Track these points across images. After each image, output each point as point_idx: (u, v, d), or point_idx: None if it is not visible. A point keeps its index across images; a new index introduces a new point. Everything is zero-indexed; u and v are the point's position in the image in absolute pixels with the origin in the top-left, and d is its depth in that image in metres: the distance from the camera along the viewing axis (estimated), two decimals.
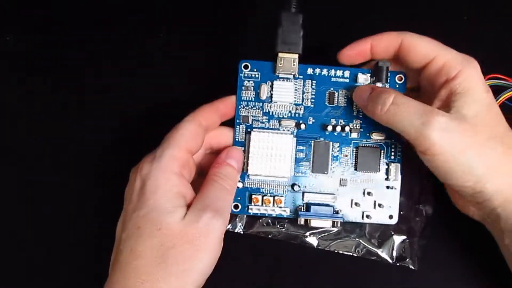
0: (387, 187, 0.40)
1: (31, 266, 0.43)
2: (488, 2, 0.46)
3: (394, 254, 0.41)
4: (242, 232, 0.41)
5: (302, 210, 0.40)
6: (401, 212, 0.41)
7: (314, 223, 0.39)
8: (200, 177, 0.38)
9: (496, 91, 0.42)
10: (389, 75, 0.40)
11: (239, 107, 0.40)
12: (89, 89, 0.45)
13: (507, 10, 0.46)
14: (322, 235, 0.42)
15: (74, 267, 0.43)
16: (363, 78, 0.40)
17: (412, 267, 0.41)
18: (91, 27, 0.46)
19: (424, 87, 0.40)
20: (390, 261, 0.41)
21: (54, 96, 0.45)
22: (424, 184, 0.42)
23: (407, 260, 0.41)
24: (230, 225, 0.41)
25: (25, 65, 0.46)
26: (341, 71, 0.40)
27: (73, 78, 0.45)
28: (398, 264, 0.41)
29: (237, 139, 0.40)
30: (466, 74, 0.36)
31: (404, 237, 0.41)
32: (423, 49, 0.37)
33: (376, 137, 0.40)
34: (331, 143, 0.40)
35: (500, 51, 0.45)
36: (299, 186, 0.40)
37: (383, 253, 0.41)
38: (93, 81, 0.45)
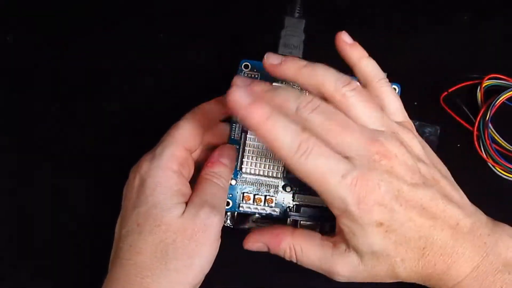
0: None
1: (30, 265, 0.43)
2: (488, 2, 0.46)
3: None
4: (232, 227, 0.42)
5: (292, 211, 0.41)
6: None
7: (303, 224, 0.39)
8: (198, 174, 0.38)
9: (496, 91, 0.43)
10: None
11: None
12: (89, 89, 0.46)
13: (507, 10, 0.46)
14: None
15: (74, 265, 0.43)
16: None
17: None
18: (91, 27, 0.46)
19: None
20: None
21: (54, 95, 0.45)
22: None
23: None
24: None
25: (25, 65, 0.46)
26: None
27: (73, 78, 0.46)
28: None
29: (232, 137, 0.41)
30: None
31: None
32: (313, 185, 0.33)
33: None
34: None
35: (500, 51, 0.46)
36: (290, 187, 0.41)
37: None
38: (93, 81, 0.46)
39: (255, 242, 0.38)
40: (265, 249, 0.37)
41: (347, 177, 0.32)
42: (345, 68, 0.41)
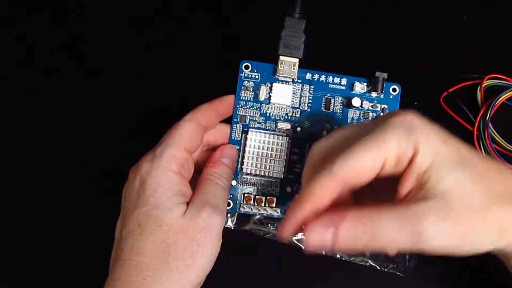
0: None
1: (30, 266, 0.43)
2: (488, 2, 0.46)
3: (382, 260, 0.42)
4: (232, 228, 0.42)
5: None
6: None
7: None
8: (198, 174, 0.39)
9: (496, 91, 0.43)
10: (384, 85, 0.41)
11: (237, 106, 0.41)
12: (89, 89, 0.45)
13: (507, 10, 0.46)
14: None
15: (74, 266, 0.43)
16: (360, 87, 0.41)
17: (400, 274, 0.42)
18: (91, 27, 0.46)
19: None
20: (378, 267, 0.42)
21: (54, 95, 0.45)
22: None
23: (395, 266, 0.42)
24: None
25: (25, 65, 0.46)
26: (339, 78, 0.41)
27: (73, 78, 0.45)
28: (385, 270, 0.42)
29: (233, 138, 0.41)
30: (421, 154, 0.29)
31: None
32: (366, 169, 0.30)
33: None
34: None
35: (500, 51, 0.45)
36: (291, 188, 0.41)
37: (371, 259, 0.42)
38: (93, 81, 0.45)
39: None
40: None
41: None
42: (347, 68, 0.42)
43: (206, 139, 0.40)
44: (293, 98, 0.41)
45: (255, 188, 0.41)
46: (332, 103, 0.41)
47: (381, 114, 0.41)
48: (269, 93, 0.41)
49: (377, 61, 0.45)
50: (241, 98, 0.41)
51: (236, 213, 0.42)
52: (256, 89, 0.41)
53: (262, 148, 0.40)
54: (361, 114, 0.41)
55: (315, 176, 0.30)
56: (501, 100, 0.43)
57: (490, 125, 0.43)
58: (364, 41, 0.45)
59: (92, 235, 0.43)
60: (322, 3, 0.45)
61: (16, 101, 0.45)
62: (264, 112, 0.41)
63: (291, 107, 0.41)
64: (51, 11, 0.46)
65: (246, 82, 0.41)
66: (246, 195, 0.41)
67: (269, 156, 0.40)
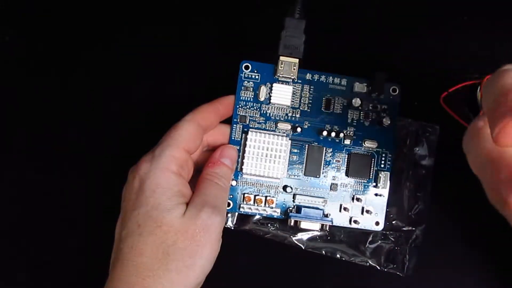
0: (376, 195, 0.41)
1: (31, 267, 0.43)
2: (488, 2, 0.46)
3: (382, 260, 0.42)
4: (232, 228, 0.42)
5: (293, 211, 0.41)
6: (393, 222, 0.42)
7: (303, 225, 0.40)
8: (198, 175, 0.39)
9: None
10: (384, 86, 0.41)
11: (237, 106, 0.41)
12: (89, 89, 0.45)
13: (507, 10, 0.46)
14: (311, 236, 0.42)
15: (74, 266, 0.43)
16: (360, 87, 0.41)
17: (400, 274, 0.42)
18: (91, 27, 0.46)
19: None
20: (378, 267, 0.42)
21: (54, 96, 0.45)
22: (417, 196, 0.43)
23: (395, 266, 0.42)
24: None
25: (25, 65, 0.46)
26: (339, 79, 0.41)
27: (73, 78, 0.45)
28: (385, 270, 0.42)
29: (233, 138, 0.41)
30: None
31: (392, 244, 0.42)
32: None
33: (368, 145, 0.41)
34: (324, 148, 0.41)
35: (500, 51, 0.45)
36: (291, 188, 0.41)
37: (371, 259, 0.42)
38: (93, 81, 0.45)
39: None
40: None
41: None
42: (344, 68, 0.42)
43: (206, 139, 0.40)
44: (293, 99, 0.41)
45: (255, 188, 0.41)
46: (332, 103, 0.41)
47: (381, 114, 0.41)
48: (269, 93, 0.41)
49: (377, 61, 0.45)
50: (241, 98, 0.41)
51: (236, 213, 0.42)
52: (256, 89, 0.41)
53: (262, 149, 0.40)
54: (361, 114, 0.41)
55: None
56: None
57: None
58: (364, 41, 0.45)
59: (92, 236, 0.43)
60: (322, 3, 0.45)
61: (15, 101, 0.45)
62: (264, 112, 0.41)
63: (291, 107, 0.41)
64: (51, 11, 0.46)
65: (246, 82, 0.41)
66: (246, 195, 0.41)
67: (269, 156, 0.40)
